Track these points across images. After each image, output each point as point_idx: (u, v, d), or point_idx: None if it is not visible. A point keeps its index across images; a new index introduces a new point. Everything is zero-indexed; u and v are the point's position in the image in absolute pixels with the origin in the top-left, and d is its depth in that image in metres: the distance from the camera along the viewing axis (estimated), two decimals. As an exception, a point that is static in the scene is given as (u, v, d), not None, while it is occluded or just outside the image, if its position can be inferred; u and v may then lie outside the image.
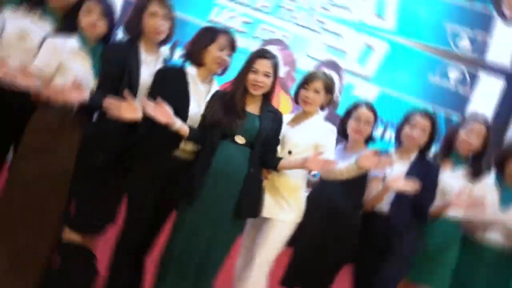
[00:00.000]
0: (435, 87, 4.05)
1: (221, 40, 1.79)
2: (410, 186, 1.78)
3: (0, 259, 1.60)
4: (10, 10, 1.70)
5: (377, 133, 3.62)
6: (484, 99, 4.09)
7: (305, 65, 3.88)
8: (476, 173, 2.03)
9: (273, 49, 3.81)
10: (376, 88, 4.00)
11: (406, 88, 4.01)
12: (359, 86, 3.98)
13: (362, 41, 3.97)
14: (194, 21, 3.78)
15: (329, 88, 1.97)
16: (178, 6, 3.56)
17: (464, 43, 3.94)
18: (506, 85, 4.10)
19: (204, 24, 3.74)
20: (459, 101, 4.09)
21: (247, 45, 3.82)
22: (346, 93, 3.95)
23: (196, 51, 1.81)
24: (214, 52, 1.77)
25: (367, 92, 3.97)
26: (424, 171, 2.00)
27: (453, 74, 4.07)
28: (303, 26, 3.91)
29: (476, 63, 4.05)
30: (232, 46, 1.83)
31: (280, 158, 1.86)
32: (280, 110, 1.97)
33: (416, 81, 4.03)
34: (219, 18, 3.83)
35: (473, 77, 4.08)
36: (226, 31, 1.84)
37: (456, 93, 4.08)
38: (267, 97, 1.90)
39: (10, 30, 1.67)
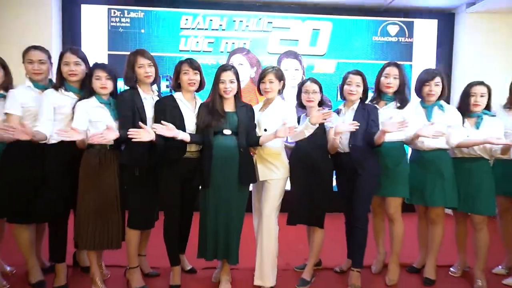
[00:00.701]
0: (380, 45, 4.74)
1: (184, 68, 2.49)
2: (351, 126, 2.46)
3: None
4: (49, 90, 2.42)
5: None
6: (425, 41, 4.79)
7: (269, 61, 4.60)
8: (401, 103, 2.71)
9: (238, 56, 4.60)
10: (332, 61, 4.70)
11: (357, 53, 4.71)
12: (317, 64, 4.69)
13: (309, 26, 4.68)
14: (168, 55, 4.50)
15: (279, 76, 2.67)
16: (153, 47, 4.33)
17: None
18: (440, 24, 4.80)
19: (177, 54, 4.49)
20: (405, 51, 4.78)
21: (216, 60, 4.55)
22: (309, 72, 4.65)
23: (174, 82, 2.54)
24: (183, 78, 2.48)
25: (325, 67, 4.68)
26: (366, 113, 2.69)
27: (392, 30, 4.76)
28: (257, 31, 4.62)
29: (409, 13, 4.74)
30: (193, 67, 2.50)
31: (259, 136, 2.57)
32: (259, 101, 2.66)
33: (363, 45, 4.72)
34: (187, 47, 4.55)
35: (410, 26, 4.77)
36: (185, 60, 2.52)
37: (399, 44, 4.77)
38: (237, 97, 2.60)
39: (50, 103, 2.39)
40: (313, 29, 4.67)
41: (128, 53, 2.55)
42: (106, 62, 4.21)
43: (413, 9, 4.73)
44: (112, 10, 4.47)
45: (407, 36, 4.75)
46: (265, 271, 2.57)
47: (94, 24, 4.46)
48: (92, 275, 2.48)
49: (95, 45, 4.43)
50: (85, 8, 4.44)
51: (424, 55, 4.76)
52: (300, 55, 4.66)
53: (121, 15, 4.47)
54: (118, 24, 4.48)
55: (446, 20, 4.80)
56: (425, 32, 4.78)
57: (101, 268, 2.60)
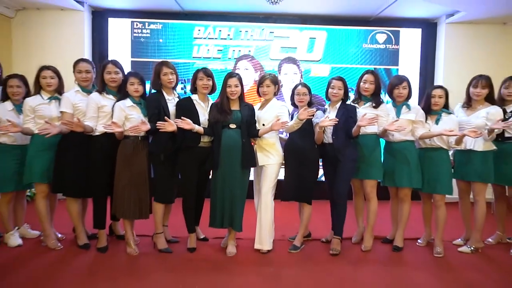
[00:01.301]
0: (370, 52, 5.35)
1: (199, 75, 3.14)
2: (331, 121, 3.09)
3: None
4: (93, 93, 3.10)
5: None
6: (410, 48, 5.38)
7: (271, 66, 5.25)
8: (376, 104, 3.33)
9: (244, 62, 5.24)
10: (327, 66, 5.32)
11: (349, 59, 5.33)
12: (314, 69, 5.32)
13: (306, 35, 5.31)
14: (183, 61, 5.16)
15: (275, 81, 3.31)
16: (170, 54, 4.99)
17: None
18: (423, 33, 5.39)
19: (190, 61, 5.16)
20: (392, 57, 5.38)
21: (225, 66, 5.21)
22: (306, 76, 5.28)
23: (191, 86, 3.20)
24: (198, 83, 3.14)
25: (321, 71, 5.30)
26: (346, 111, 3.31)
27: (381, 38, 5.37)
28: (260, 40, 5.27)
29: (396, 22, 5.34)
30: (207, 75, 3.15)
31: (259, 129, 3.21)
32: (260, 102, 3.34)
33: (354, 51, 5.34)
34: (199, 54, 5.21)
35: (396, 35, 5.37)
36: (201, 69, 3.18)
37: (387, 51, 5.37)
38: (241, 98, 3.24)
39: (95, 104, 3.06)
40: (310, 38, 5.30)
41: (149, 59, 3.24)
42: (129, 67, 4.95)
43: (399, 19, 5.33)
44: (135, 23, 5.16)
45: (394, 43, 5.36)
46: (263, 237, 3.21)
47: (119, 34, 5.15)
48: (127, 240, 3.15)
49: (120, 53, 5.11)
50: (111, 21, 5.14)
51: (409, 61, 5.36)
52: (298, 60, 5.30)
53: (143, 27, 5.16)
54: (140, 34, 5.16)
55: (429, 29, 5.39)
56: (410, 40, 5.38)
57: (132, 235, 3.26)
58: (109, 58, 4.77)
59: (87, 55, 5.00)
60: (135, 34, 5.17)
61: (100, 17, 5.15)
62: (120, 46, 5.16)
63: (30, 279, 2.64)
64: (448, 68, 5.17)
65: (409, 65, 5.35)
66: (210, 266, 2.94)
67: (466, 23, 5.12)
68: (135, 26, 5.16)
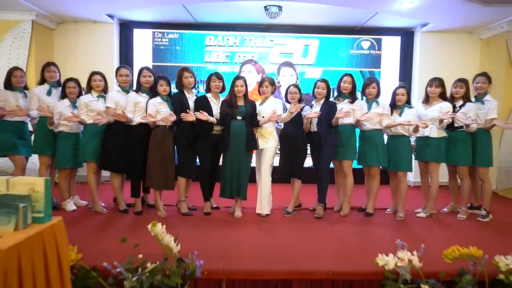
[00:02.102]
0: (356, 56, 6.24)
1: (213, 78, 4.06)
2: (315, 114, 3.99)
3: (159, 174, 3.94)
4: (132, 93, 4.02)
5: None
6: (391, 54, 6.26)
7: (271, 70, 6.16)
8: (352, 100, 4.21)
9: (248, 66, 6.14)
10: (319, 68, 6.22)
11: (338, 63, 6.22)
12: (308, 71, 6.22)
13: (301, 43, 6.21)
14: (196, 65, 6.08)
15: (272, 83, 4.22)
16: (185, 59, 5.90)
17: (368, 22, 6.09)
18: (402, 42, 6.27)
19: (202, 65, 6.08)
20: (375, 61, 6.26)
21: (231, 69, 6.12)
22: (301, 78, 6.18)
23: (206, 86, 4.12)
24: (212, 84, 4.05)
25: (314, 73, 6.20)
26: (329, 107, 4.20)
27: (365, 44, 6.25)
28: (262, 47, 6.18)
29: (378, 31, 6.22)
30: (219, 78, 4.06)
31: (259, 120, 4.11)
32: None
33: (342, 56, 6.23)
34: (210, 59, 6.13)
35: (379, 42, 6.25)
36: (214, 73, 4.09)
37: (371, 56, 6.26)
38: (245, 96, 4.14)
39: (133, 101, 3.99)
40: (304, 45, 6.21)
41: (167, 64, 4.16)
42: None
43: (381, 28, 6.21)
44: (156, 33, 6.09)
45: (376, 49, 6.24)
46: (263, 203, 4.12)
47: (143, 43, 6.09)
48: (157, 206, 4.07)
49: (143, 58, 6.04)
50: (136, 32, 6.08)
51: (390, 64, 6.25)
52: (294, 64, 6.21)
53: (162, 36, 6.09)
54: (160, 42, 6.10)
55: (407, 37, 6.26)
56: (391, 46, 6.26)
57: (161, 202, 4.17)
58: (134, 63, 5.76)
59: (116, 60, 5.94)
60: (155, 43, 6.10)
61: (126, 29, 6.09)
62: (143, 53, 6.09)
63: (87, 232, 3.54)
64: (423, 70, 6.02)
65: (390, 68, 6.23)
66: (222, 223, 3.85)
67: (437, 32, 5.99)
68: (156, 36, 6.09)
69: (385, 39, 6.25)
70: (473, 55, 6.09)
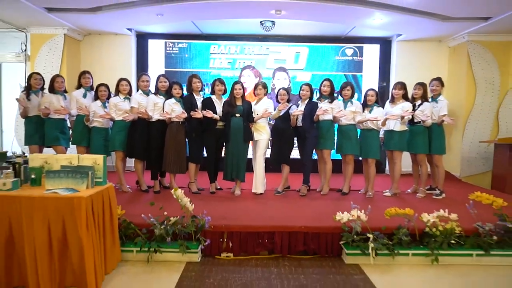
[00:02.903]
0: (341, 62, 7.18)
1: (216, 82, 5.02)
2: (299, 112, 4.95)
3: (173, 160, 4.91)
4: (151, 95, 5.00)
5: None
6: (371, 60, 7.20)
7: (267, 74, 7.11)
8: (331, 100, 5.15)
9: (247, 71, 7.10)
10: (309, 73, 7.17)
11: (325, 68, 7.16)
12: (299, 75, 7.17)
13: (293, 50, 7.16)
14: (202, 70, 7.04)
15: (265, 86, 5.18)
16: (192, 65, 6.88)
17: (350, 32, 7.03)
18: (381, 50, 7.20)
19: (207, 70, 7.04)
20: (357, 66, 7.20)
21: (233, 74, 7.09)
22: (293, 81, 7.13)
23: (211, 90, 5.09)
24: (216, 88, 5.02)
25: (304, 77, 7.14)
26: (312, 106, 5.15)
27: (349, 51, 7.19)
28: (259, 54, 7.14)
29: (360, 40, 7.16)
30: (222, 83, 5.03)
31: (254, 117, 5.07)
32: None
33: (329, 62, 7.17)
34: (214, 65, 7.10)
35: (361, 49, 7.19)
36: (218, 79, 5.06)
37: (354, 62, 7.19)
38: (243, 97, 5.10)
39: (153, 102, 4.96)
40: (296, 52, 7.16)
41: (178, 69, 5.16)
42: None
43: (362, 38, 7.14)
44: (167, 43, 7.07)
45: (359, 56, 7.18)
46: (257, 184, 5.07)
47: (156, 51, 7.07)
48: (171, 185, 5.04)
49: (157, 65, 7.02)
50: (151, 42, 7.07)
51: (371, 69, 7.19)
52: (287, 69, 7.16)
53: (173, 46, 7.06)
54: (171, 51, 7.07)
55: (385, 45, 7.19)
56: (371, 53, 7.20)
57: (175, 184, 5.13)
58: (149, 69, 6.73)
59: (133, 67, 6.93)
60: (167, 51, 7.08)
61: (142, 39, 7.07)
62: (156, 60, 7.07)
63: (120, 202, 4.50)
64: (399, 74, 6.93)
65: (370, 73, 7.17)
66: (224, 199, 4.81)
67: (411, 41, 6.92)
68: (167, 45, 7.07)
69: (366, 47, 7.19)
70: (443, 61, 7.01)
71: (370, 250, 3.30)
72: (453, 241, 3.42)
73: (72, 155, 3.10)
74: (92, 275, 2.73)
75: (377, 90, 5.23)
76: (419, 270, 3.32)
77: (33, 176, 2.94)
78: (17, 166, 2.99)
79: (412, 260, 3.41)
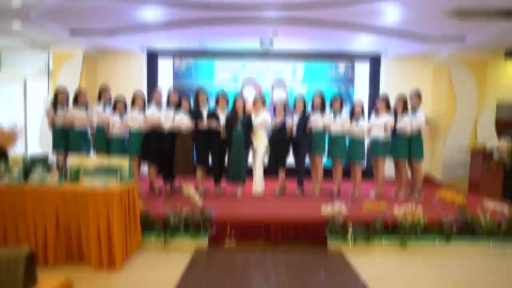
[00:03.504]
0: (334, 76, 7.87)
1: (220, 98, 5.72)
2: (292, 124, 5.63)
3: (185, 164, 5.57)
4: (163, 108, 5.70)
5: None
6: (362, 76, 7.89)
7: (267, 86, 7.82)
8: (322, 112, 5.83)
9: (248, 84, 7.81)
10: (305, 86, 7.86)
11: (320, 81, 7.85)
12: (296, 88, 7.87)
13: (290, 66, 7.87)
14: (208, 84, 7.74)
15: (263, 101, 5.87)
16: (199, 80, 7.61)
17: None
18: (371, 65, 7.90)
19: (213, 83, 7.75)
20: (349, 80, 7.89)
21: (235, 87, 7.79)
22: (290, 93, 7.83)
23: (216, 103, 5.79)
24: (220, 101, 5.71)
25: (300, 90, 7.83)
26: (304, 118, 5.83)
27: (342, 68, 7.89)
28: (259, 69, 7.85)
29: (351, 57, 7.86)
30: (224, 98, 5.72)
31: (253, 127, 5.75)
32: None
33: (323, 76, 7.87)
34: (219, 78, 7.81)
35: (353, 66, 7.89)
36: (221, 94, 5.75)
37: (346, 76, 7.89)
38: (244, 110, 5.79)
39: (164, 113, 5.65)
40: (293, 68, 7.87)
41: (185, 84, 5.82)
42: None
43: (354, 55, 7.84)
44: (175, 59, 7.79)
45: (350, 71, 7.88)
46: (257, 184, 5.74)
47: (165, 68, 7.79)
48: (181, 187, 5.70)
49: (165, 80, 7.74)
50: (160, 60, 7.80)
51: (361, 84, 7.87)
52: (285, 82, 7.86)
53: (181, 62, 7.78)
54: (179, 68, 7.79)
55: (375, 62, 7.88)
56: (362, 69, 7.89)
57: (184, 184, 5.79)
58: (159, 84, 7.42)
59: (145, 82, 7.64)
60: (176, 67, 7.80)
61: (152, 57, 7.80)
62: (165, 75, 7.79)
63: (136, 202, 5.19)
64: (388, 88, 7.61)
65: (361, 87, 7.86)
66: (227, 198, 5.46)
67: (398, 57, 7.62)
68: (175, 62, 7.79)
69: (358, 64, 7.88)
70: (427, 75, 7.71)
71: (349, 237, 3.94)
72: (419, 230, 4.06)
73: (101, 158, 3.78)
74: (120, 255, 3.39)
75: (367, 102, 5.91)
76: (391, 254, 3.97)
77: (72, 174, 3.62)
78: (58, 166, 3.67)
79: (385, 246, 4.04)
